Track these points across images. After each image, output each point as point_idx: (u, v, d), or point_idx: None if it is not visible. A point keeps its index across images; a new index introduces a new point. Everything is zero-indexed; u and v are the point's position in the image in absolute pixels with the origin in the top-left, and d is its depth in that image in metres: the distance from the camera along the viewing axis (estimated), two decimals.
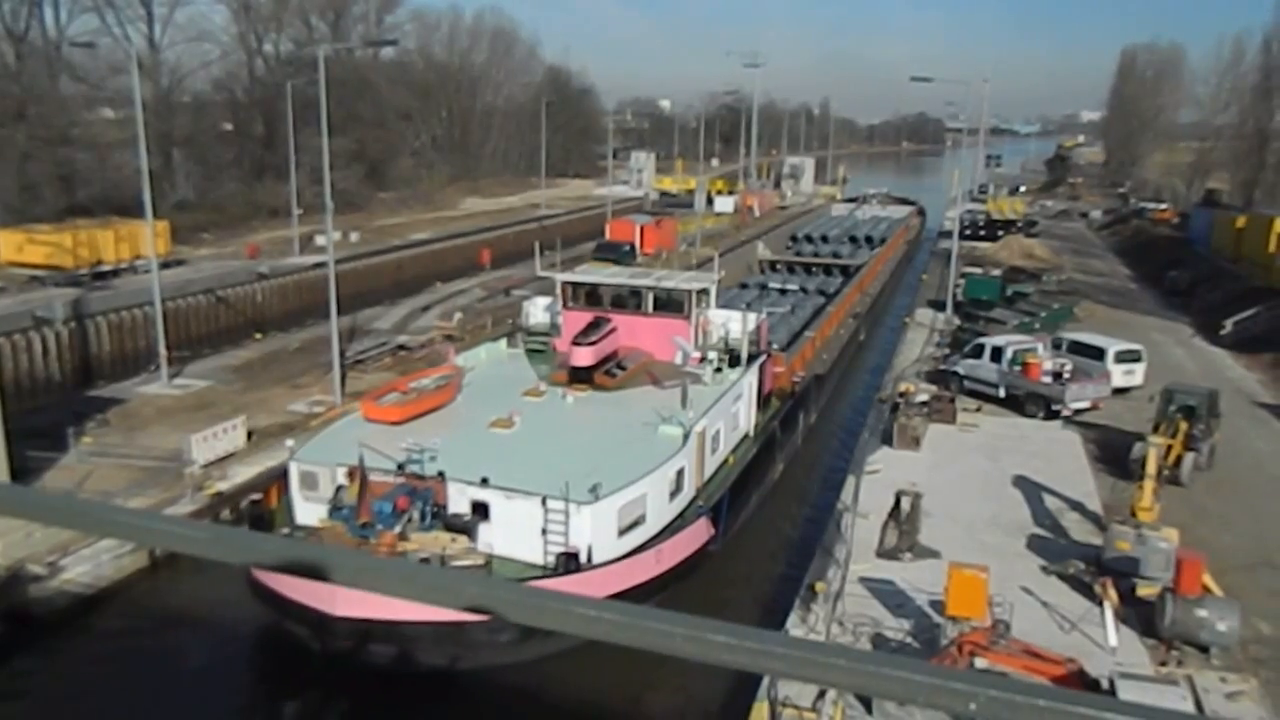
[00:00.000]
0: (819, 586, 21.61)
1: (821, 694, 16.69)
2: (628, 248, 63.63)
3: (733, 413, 28.20)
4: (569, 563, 20.20)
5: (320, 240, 56.06)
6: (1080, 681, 15.87)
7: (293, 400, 35.44)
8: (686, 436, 24.07)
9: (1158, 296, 62.12)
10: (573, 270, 34.61)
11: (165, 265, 48.34)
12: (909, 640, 19.41)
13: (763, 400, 31.47)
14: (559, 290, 32.47)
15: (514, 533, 20.74)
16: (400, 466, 21.62)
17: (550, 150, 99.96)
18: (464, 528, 20.86)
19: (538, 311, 33.70)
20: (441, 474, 21.42)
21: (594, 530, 20.59)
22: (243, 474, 28.48)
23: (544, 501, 20.49)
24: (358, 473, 21.04)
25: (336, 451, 22.46)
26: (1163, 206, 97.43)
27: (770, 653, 1.72)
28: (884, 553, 22.97)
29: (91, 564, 22.93)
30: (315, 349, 41.50)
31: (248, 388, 37.11)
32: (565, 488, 20.23)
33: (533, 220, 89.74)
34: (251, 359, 41.88)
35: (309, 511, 22.12)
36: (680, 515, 23.27)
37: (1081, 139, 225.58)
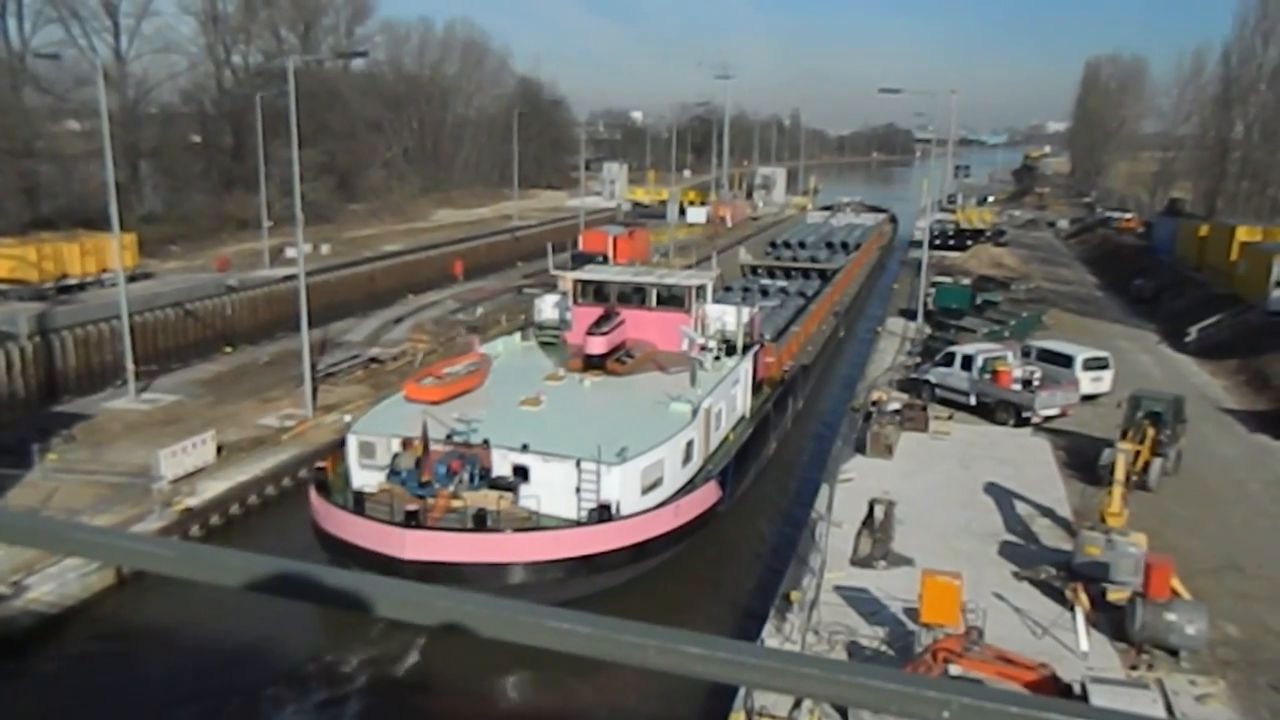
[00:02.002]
0: (794, 595, 21.65)
1: (797, 703, 16.71)
2: (601, 259, 63.64)
3: (731, 395, 31.09)
4: (602, 513, 23.05)
5: (290, 253, 55.67)
6: (1053, 686, 16.00)
7: (263, 414, 35.07)
8: (695, 412, 27.02)
9: (1124, 304, 63.00)
10: (582, 269, 37.80)
11: (132, 279, 47.73)
12: (884, 648, 19.48)
13: (756, 386, 34.31)
14: (570, 287, 35.13)
15: (551, 491, 23.55)
16: (448, 436, 24.85)
17: (522, 161, 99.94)
18: (508, 487, 23.83)
19: (547, 308, 36.41)
20: (486, 441, 24.59)
21: (622, 487, 23.54)
22: (213, 489, 28.12)
23: (578, 463, 23.39)
24: (413, 441, 24.21)
25: (388, 424, 25.78)
26: (1128, 216, 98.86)
27: (744, 664, 1.72)
28: (858, 561, 23.07)
29: (57, 583, 22.52)
30: (286, 362, 41.12)
31: (217, 402, 36.69)
32: (597, 451, 23.16)
33: (505, 231, 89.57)
34: (221, 373, 41.42)
35: (364, 477, 25.01)
36: (691, 480, 26.29)
37: (1048, 149, 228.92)
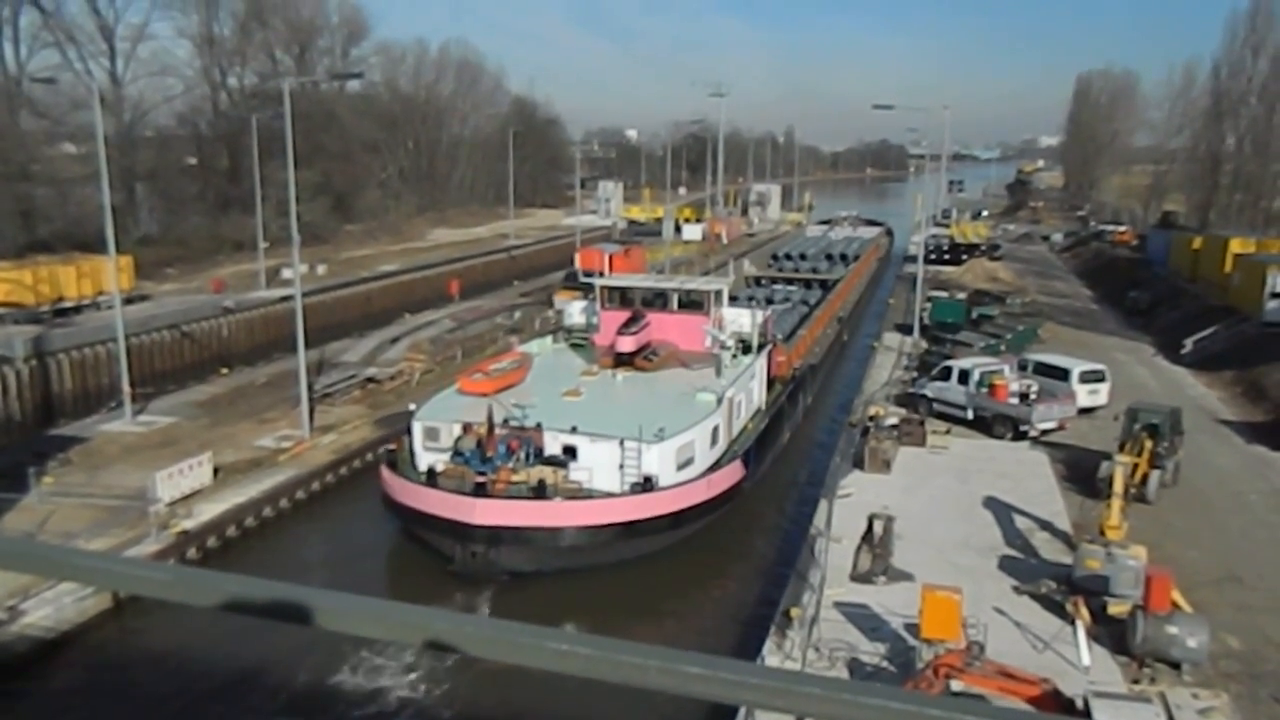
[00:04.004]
0: (794, 612, 21.56)
1: None
2: (597, 277, 63.79)
3: (749, 389, 34.16)
4: (645, 485, 26.14)
5: (287, 273, 55.63)
6: (1055, 701, 15.91)
7: (260, 435, 34.98)
8: (719, 401, 29.98)
9: (1119, 317, 63.11)
10: (610, 278, 42.02)
11: (128, 301, 47.72)
12: (885, 664, 19.39)
13: (770, 382, 37.38)
14: (598, 293, 38.41)
15: (598, 467, 26.61)
16: (505, 421, 27.98)
17: (518, 180, 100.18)
18: (559, 464, 26.81)
19: (575, 313, 39.73)
20: (539, 425, 27.62)
21: (660, 463, 26.60)
22: (210, 511, 27.99)
23: (621, 443, 26.41)
24: (473, 426, 27.49)
25: (448, 412, 29.00)
26: (1121, 228, 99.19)
27: (745, 683, 1.71)
28: (858, 577, 22.99)
29: (53, 607, 22.37)
30: (282, 383, 41.05)
31: (214, 423, 36.59)
32: (639, 431, 26.30)
33: (501, 250, 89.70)
34: (217, 394, 41.32)
35: (427, 459, 27.93)
36: (718, 460, 29.17)
37: (1041, 163, 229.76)
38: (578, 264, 69.25)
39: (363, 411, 38.76)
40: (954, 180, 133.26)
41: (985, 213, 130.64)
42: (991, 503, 28.19)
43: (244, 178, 69.13)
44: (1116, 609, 20.55)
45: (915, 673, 17.32)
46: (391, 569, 28.42)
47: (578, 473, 26.63)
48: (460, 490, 25.74)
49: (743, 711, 16.94)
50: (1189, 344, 50.13)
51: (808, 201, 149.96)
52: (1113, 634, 19.98)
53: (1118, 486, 24.13)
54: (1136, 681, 18.66)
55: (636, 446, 26.26)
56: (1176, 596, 19.66)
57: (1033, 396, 35.02)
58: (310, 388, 36.71)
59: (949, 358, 41.14)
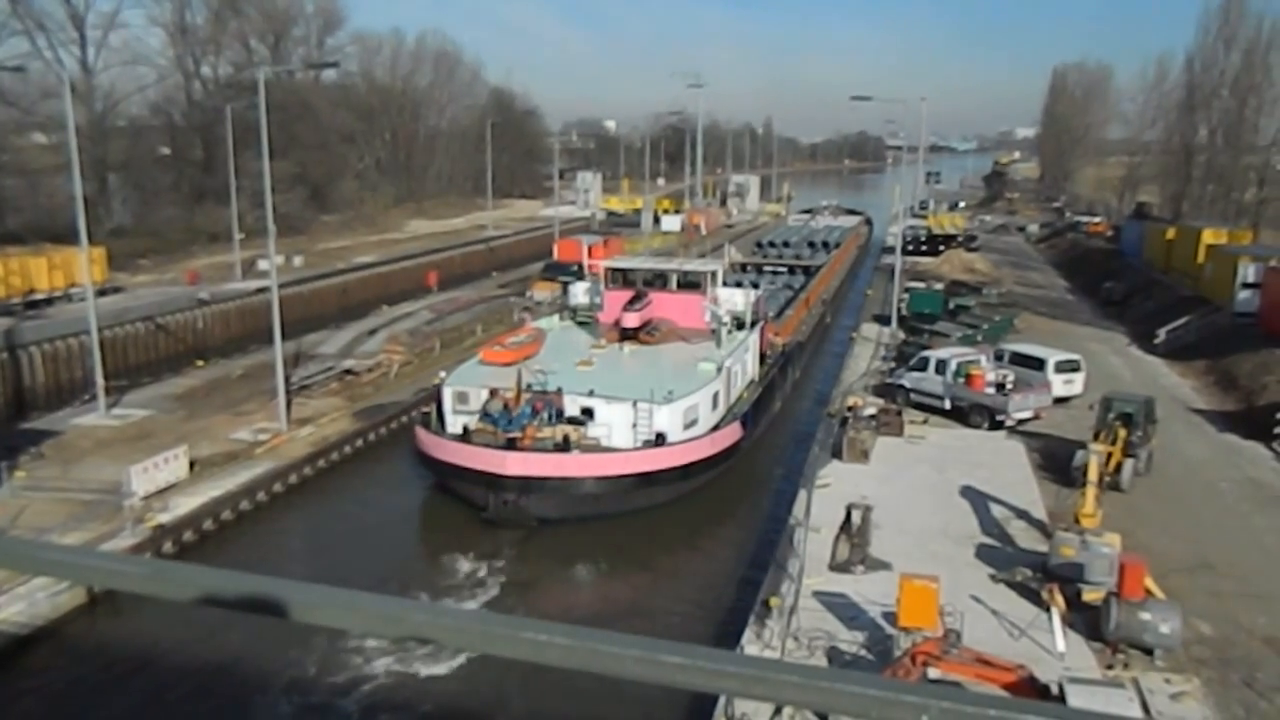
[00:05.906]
0: (773, 601, 21.66)
1: (778, 710, 16.70)
2: (575, 268, 63.83)
3: (744, 361, 37.09)
4: (658, 439, 29.30)
5: (262, 265, 55.24)
6: (1030, 687, 16.09)
7: (236, 428, 34.71)
8: (719, 370, 33.18)
9: (1094, 307, 63.68)
10: (613, 259, 45.63)
11: (102, 293, 47.14)
12: (863, 652, 19.52)
13: (761, 356, 40.21)
14: (602, 274, 41.58)
15: (614, 426, 29.57)
16: (528, 386, 30.65)
17: (496, 171, 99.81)
18: (579, 423, 29.72)
19: (579, 294, 42.23)
20: (559, 389, 30.38)
21: (670, 421, 29.65)
22: (186, 505, 27.76)
23: (634, 404, 29.48)
24: (499, 390, 30.36)
25: (474, 379, 31.87)
26: (1096, 220, 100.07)
27: (724, 672, 1.72)
28: (836, 566, 23.12)
29: (26, 603, 22.14)
30: (259, 375, 40.72)
31: (189, 416, 36.27)
32: (650, 393, 29.59)
33: (479, 241, 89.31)
34: (193, 387, 40.95)
35: (456, 421, 30.68)
36: (719, 422, 32.15)
37: (1017, 155, 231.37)
38: (556, 255, 69.23)
39: (340, 404, 38.55)
40: (931, 171, 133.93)
41: (962, 204, 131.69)
42: (968, 492, 28.41)
43: (219, 168, 68.39)
44: (1091, 596, 20.79)
45: (893, 660, 17.45)
46: (374, 566, 28.21)
47: (595, 430, 29.52)
48: (493, 445, 28.62)
49: (722, 700, 17.03)
50: (1162, 334, 50.67)
51: (787, 192, 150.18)
52: (1087, 621, 20.20)
53: (1092, 475, 24.36)
54: (1110, 667, 18.89)
55: (648, 407, 29.28)
56: (1150, 583, 19.89)
57: (1009, 386, 35.28)
58: (287, 380, 36.45)
59: (926, 348, 41.38)
